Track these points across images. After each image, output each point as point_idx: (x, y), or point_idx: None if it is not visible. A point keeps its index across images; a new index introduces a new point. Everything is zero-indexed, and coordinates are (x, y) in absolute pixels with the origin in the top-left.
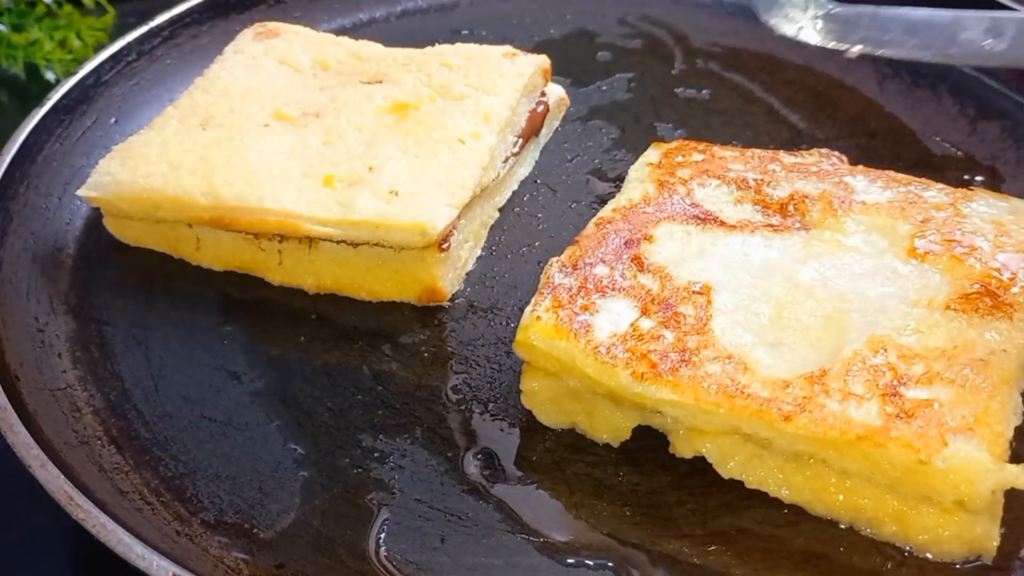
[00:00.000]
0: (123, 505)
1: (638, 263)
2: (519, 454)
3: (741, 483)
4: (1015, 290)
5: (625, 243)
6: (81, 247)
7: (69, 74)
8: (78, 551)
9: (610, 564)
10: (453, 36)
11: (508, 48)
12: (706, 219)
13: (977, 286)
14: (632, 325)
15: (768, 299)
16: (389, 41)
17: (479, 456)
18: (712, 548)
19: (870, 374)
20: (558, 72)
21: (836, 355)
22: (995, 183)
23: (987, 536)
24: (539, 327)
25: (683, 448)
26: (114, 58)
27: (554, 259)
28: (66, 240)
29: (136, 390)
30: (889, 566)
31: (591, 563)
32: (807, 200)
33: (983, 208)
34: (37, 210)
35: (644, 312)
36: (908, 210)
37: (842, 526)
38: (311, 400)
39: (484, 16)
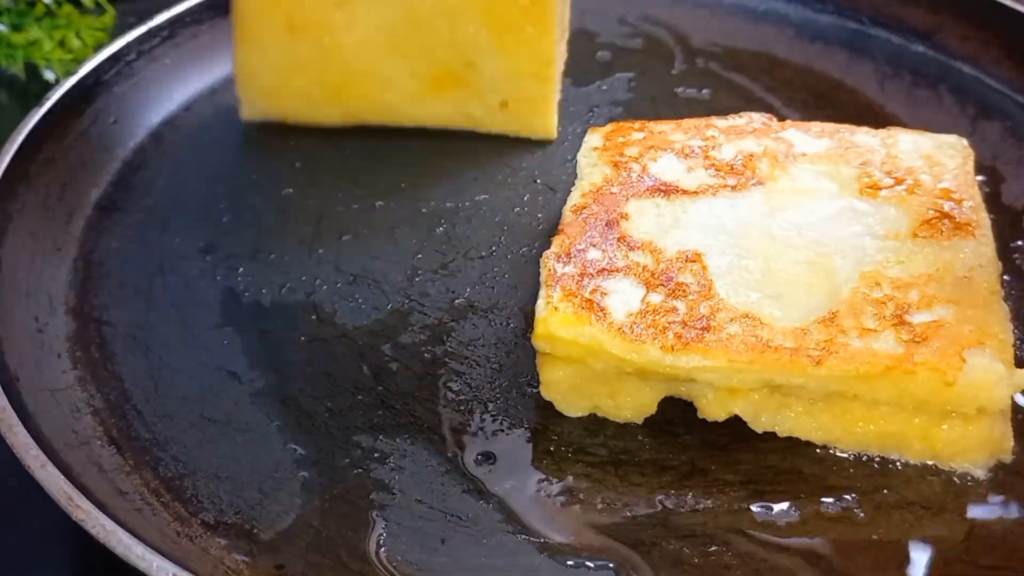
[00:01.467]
0: (123, 506)
1: (626, 242)
2: (519, 454)
3: (741, 484)
4: (966, 209)
5: (606, 225)
6: (81, 247)
7: (69, 74)
8: (78, 552)
9: (611, 565)
10: None
11: None
12: (669, 190)
13: (932, 212)
14: (644, 301)
15: (753, 255)
16: None
17: (479, 456)
18: (713, 549)
19: (875, 308)
20: None
21: (836, 296)
22: (995, 183)
23: (1004, 437)
24: (559, 317)
25: (714, 411)
26: (113, 58)
27: (548, 251)
28: (65, 240)
29: (136, 390)
30: (891, 570)
31: (592, 564)
32: (753, 158)
33: (909, 145)
34: (36, 210)
35: (649, 287)
36: (846, 155)
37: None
38: (311, 400)
39: None
